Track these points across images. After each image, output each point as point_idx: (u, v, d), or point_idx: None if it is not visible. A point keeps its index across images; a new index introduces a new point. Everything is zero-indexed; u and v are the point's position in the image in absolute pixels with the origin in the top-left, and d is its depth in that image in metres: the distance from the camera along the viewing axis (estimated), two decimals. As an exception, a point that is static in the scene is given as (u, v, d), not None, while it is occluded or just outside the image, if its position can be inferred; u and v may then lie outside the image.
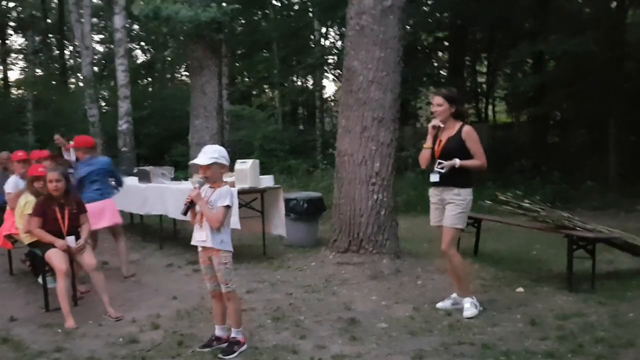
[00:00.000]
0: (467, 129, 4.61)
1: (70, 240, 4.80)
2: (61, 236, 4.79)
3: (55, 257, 4.68)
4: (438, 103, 4.64)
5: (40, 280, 5.29)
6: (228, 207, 3.72)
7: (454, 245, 4.68)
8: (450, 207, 4.57)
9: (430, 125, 4.72)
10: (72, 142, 6.27)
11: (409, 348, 3.86)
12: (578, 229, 5.50)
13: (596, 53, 11.66)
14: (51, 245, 4.75)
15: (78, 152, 6.16)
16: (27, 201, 5.23)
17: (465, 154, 4.54)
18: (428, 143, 4.70)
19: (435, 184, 4.67)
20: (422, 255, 6.75)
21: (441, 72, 19.51)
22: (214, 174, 3.74)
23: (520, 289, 5.27)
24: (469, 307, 4.55)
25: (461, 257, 4.74)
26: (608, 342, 3.85)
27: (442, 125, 4.64)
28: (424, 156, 4.73)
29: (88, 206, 5.30)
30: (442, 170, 4.52)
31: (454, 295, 4.82)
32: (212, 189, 3.78)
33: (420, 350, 3.79)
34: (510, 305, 4.78)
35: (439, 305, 4.79)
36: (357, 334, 4.18)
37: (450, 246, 4.62)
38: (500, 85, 21.77)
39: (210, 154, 3.72)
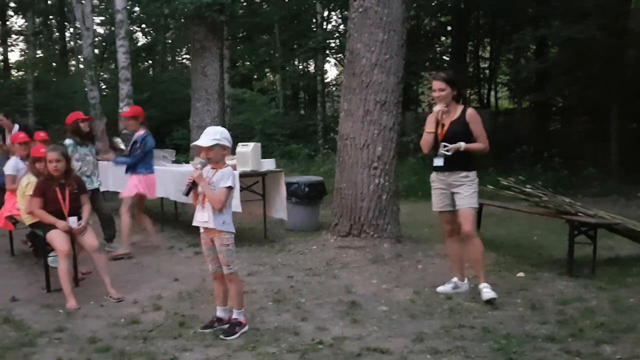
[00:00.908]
0: (470, 111, 4.57)
1: (72, 220, 4.80)
2: (62, 217, 4.79)
3: (57, 238, 4.68)
4: (440, 88, 4.56)
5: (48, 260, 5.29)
6: (230, 188, 3.72)
7: (474, 226, 4.61)
8: (463, 189, 4.51)
9: (435, 111, 4.62)
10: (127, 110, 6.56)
11: (409, 331, 3.88)
12: (580, 214, 5.51)
13: (599, 40, 11.59)
14: (53, 226, 4.75)
15: (132, 123, 6.36)
16: (29, 182, 5.23)
17: (469, 137, 4.50)
18: (430, 127, 4.62)
19: (439, 169, 4.60)
20: (423, 240, 6.77)
21: (444, 57, 19.40)
22: (215, 156, 3.73)
23: (521, 274, 5.28)
24: (489, 290, 4.46)
25: (480, 240, 4.66)
26: (608, 327, 3.87)
27: (446, 110, 4.57)
28: (427, 141, 4.65)
29: (151, 177, 6.28)
30: (448, 153, 4.45)
31: (455, 279, 4.82)
32: (214, 170, 3.77)
33: (420, 333, 3.80)
34: (510, 289, 4.80)
35: (440, 289, 4.78)
36: (357, 316, 4.19)
37: (473, 227, 4.54)
38: (502, 71, 21.66)
39: (212, 135, 3.70)
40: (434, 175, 4.71)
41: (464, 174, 4.52)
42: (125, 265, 5.90)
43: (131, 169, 6.37)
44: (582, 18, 11.86)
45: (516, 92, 21.21)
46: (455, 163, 4.51)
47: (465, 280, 4.86)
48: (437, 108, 4.61)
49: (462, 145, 4.44)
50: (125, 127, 8.18)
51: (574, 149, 14.40)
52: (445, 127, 4.56)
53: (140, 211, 6.58)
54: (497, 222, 7.91)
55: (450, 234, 4.81)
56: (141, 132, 6.39)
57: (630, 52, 13.97)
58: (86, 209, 4.99)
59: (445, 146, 4.48)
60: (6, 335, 3.89)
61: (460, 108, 4.59)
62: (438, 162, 4.58)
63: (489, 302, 4.38)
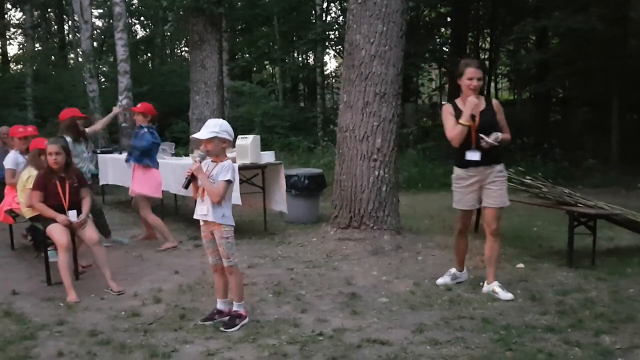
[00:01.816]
0: (495, 101, 4.44)
1: (72, 214, 4.79)
2: (62, 210, 4.79)
3: (57, 232, 4.68)
4: (479, 77, 4.30)
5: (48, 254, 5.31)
6: (229, 181, 3.71)
7: (500, 225, 4.48)
8: (497, 185, 4.33)
9: (472, 102, 4.24)
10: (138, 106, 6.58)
11: (409, 322, 3.88)
12: (579, 205, 5.51)
13: (600, 30, 11.55)
14: (53, 220, 4.75)
15: (141, 118, 6.38)
16: (30, 175, 5.22)
17: (498, 128, 4.32)
18: (465, 119, 4.25)
19: (475, 163, 4.30)
20: (423, 232, 6.77)
21: (444, 48, 19.35)
22: (214, 148, 3.71)
23: (521, 265, 5.29)
24: (503, 291, 4.37)
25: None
26: (608, 317, 3.87)
27: (477, 101, 4.29)
28: (462, 133, 4.27)
29: (156, 172, 6.31)
30: (496, 143, 4.19)
31: (453, 270, 4.79)
32: (214, 163, 3.76)
33: (420, 325, 3.81)
34: (510, 280, 4.79)
35: (439, 281, 4.73)
36: (357, 308, 4.20)
37: (499, 226, 4.42)
38: (503, 62, 21.61)
39: (212, 127, 3.69)
40: (462, 172, 4.40)
41: (499, 168, 4.35)
42: (126, 258, 5.91)
43: (144, 155, 6.32)
44: (582, 8, 11.81)
45: (516, 83, 21.21)
46: (491, 156, 4.29)
47: (464, 269, 4.86)
48: (473, 99, 4.26)
49: (499, 135, 4.23)
50: (124, 121, 8.20)
51: (575, 140, 14.39)
52: (477, 119, 4.28)
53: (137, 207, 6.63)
54: (497, 214, 7.90)
55: (466, 230, 4.65)
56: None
57: (632, 42, 13.93)
58: (86, 203, 4.98)
59: (482, 139, 4.20)
60: (7, 329, 3.90)
61: (482, 98, 4.41)
62: (473, 155, 4.28)
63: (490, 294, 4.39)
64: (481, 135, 4.23)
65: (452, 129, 4.33)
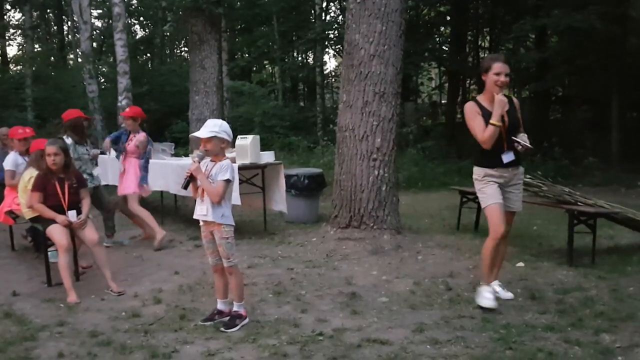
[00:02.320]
0: (515, 100, 4.22)
1: (72, 215, 4.80)
2: (62, 211, 4.79)
3: (57, 233, 4.68)
4: (507, 72, 4.03)
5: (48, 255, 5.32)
6: (228, 181, 3.71)
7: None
8: (518, 189, 4.22)
9: (502, 101, 3.97)
10: (127, 110, 6.74)
11: (409, 322, 3.89)
12: (579, 203, 5.50)
13: (599, 28, 11.55)
14: (53, 221, 4.75)
15: (131, 123, 6.52)
16: (32, 176, 5.22)
17: (520, 128, 4.18)
18: (497, 120, 3.96)
19: (510, 164, 4.10)
20: (423, 231, 6.77)
21: (443, 47, 19.34)
22: (213, 148, 3.72)
23: (521, 264, 5.29)
24: (503, 290, 4.35)
25: None
26: (608, 316, 3.87)
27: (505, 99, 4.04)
28: (495, 135, 3.98)
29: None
30: (529, 145, 3.99)
31: (492, 286, 4.23)
32: (213, 163, 3.77)
33: (420, 324, 3.81)
34: (510, 279, 4.79)
35: (486, 303, 4.04)
36: (358, 308, 4.20)
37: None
38: (502, 61, 21.56)
39: (211, 127, 3.70)
40: (490, 171, 4.12)
41: (522, 169, 4.24)
42: (126, 258, 5.91)
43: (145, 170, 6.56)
44: (582, 6, 11.81)
45: (516, 81, 21.13)
46: (518, 158, 4.13)
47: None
48: (503, 98, 4.00)
49: (525, 136, 4.10)
50: (122, 122, 8.20)
51: (575, 138, 14.39)
52: (506, 118, 4.02)
53: (126, 207, 6.67)
54: (497, 212, 7.90)
55: (501, 235, 4.11)
56: (143, 134, 6.55)
57: (631, 40, 13.92)
58: (85, 203, 4.99)
59: (517, 142, 4.02)
60: (7, 330, 3.90)
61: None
62: (509, 157, 4.07)
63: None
64: (516, 138, 4.03)
65: (484, 131, 4.01)
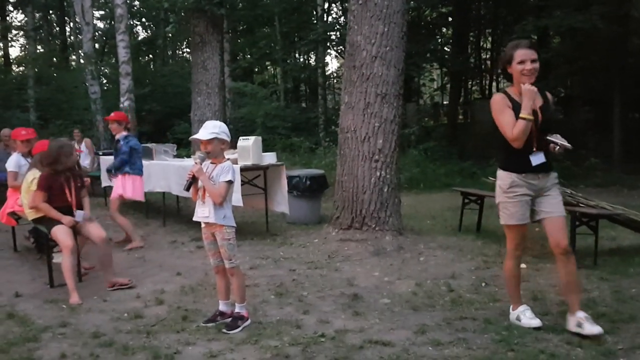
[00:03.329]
0: (548, 93, 3.67)
1: (79, 214, 4.84)
2: (70, 211, 4.81)
3: (61, 233, 4.69)
4: (533, 58, 3.49)
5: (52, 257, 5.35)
6: (230, 182, 3.72)
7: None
8: (555, 192, 3.64)
9: (530, 90, 3.48)
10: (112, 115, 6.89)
11: (411, 323, 3.88)
12: (581, 205, 5.50)
13: (601, 28, 11.54)
14: (57, 221, 4.76)
15: (115, 127, 6.63)
16: (35, 177, 5.23)
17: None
18: (527, 112, 3.46)
19: (538, 169, 3.57)
20: (425, 232, 6.77)
21: (445, 48, 19.35)
22: (214, 149, 3.73)
23: (523, 265, 5.25)
24: (589, 323, 3.48)
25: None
26: (610, 317, 3.87)
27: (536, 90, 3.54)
28: (527, 130, 3.47)
29: (138, 177, 6.53)
30: (570, 147, 3.47)
31: (580, 314, 3.56)
32: (213, 165, 3.78)
33: (422, 325, 3.81)
34: (512, 281, 4.79)
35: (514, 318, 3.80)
36: (359, 309, 4.20)
37: (567, 241, 3.59)
38: (504, 62, 21.56)
39: (211, 128, 3.71)
40: (517, 178, 3.58)
41: (555, 174, 3.67)
42: (128, 259, 5.92)
43: (118, 169, 6.58)
44: (584, 7, 11.81)
45: (518, 82, 21.11)
46: (549, 161, 3.61)
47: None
48: (531, 87, 3.49)
49: (568, 145, 3.52)
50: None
51: (577, 139, 14.34)
52: (540, 115, 3.54)
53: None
54: (499, 214, 7.90)
55: (520, 251, 3.84)
56: (123, 132, 6.63)
57: (633, 40, 13.91)
58: (86, 201, 5.08)
59: (553, 141, 3.52)
60: (10, 331, 3.91)
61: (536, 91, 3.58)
62: (538, 159, 3.53)
63: (596, 337, 3.42)
64: (552, 138, 3.51)
65: (513, 126, 3.48)
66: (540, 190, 3.60)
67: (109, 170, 6.69)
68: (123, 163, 6.54)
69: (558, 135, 3.54)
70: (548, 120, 3.54)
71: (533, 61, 3.48)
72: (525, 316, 3.75)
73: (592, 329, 3.43)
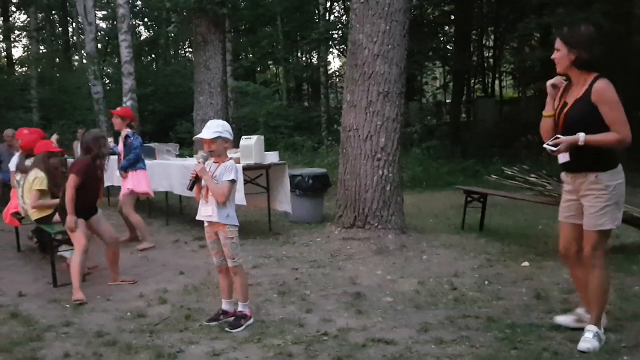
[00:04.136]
0: (599, 86, 3.22)
1: (99, 212, 4.91)
2: (93, 208, 4.84)
3: (79, 231, 4.65)
4: (557, 47, 3.35)
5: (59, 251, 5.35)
6: (234, 181, 3.73)
7: (600, 253, 3.35)
8: (589, 202, 3.30)
9: (548, 84, 3.45)
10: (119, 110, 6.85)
11: (414, 322, 3.88)
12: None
13: (604, 27, 11.50)
14: (81, 216, 4.70)
15: (119, 122, 6.57)
16: (37, 177, 5.25)
17: (596, 124, 3.21)
18: (548, 109, 3.45)
19: (564, 167, 3.42)
20: (428, 231, 6.76)
21: (448, 46, 19.33)
22: (218, 148, 3.74)
23: (526, 264, 5.27)
24: (591, 338, 3.30)
25: (606, 273, 3.41)
26: (613, 315, 3.85)
27: (562, 83, 3.42)
28: (544, 128, 3.46)
29: (143, 172, 6.54)
30: (554, 149, 3.23)
31: (580, 310, 3.64)
32: (216, 164, 3.78)
33: (425, 324, 3.81)
34: (515, 279, 4.79)
35: (559, 319, 3.68)
36: (362, 308, 4.20)
37: (595, 254, 3.33)
38: (507, 60, 21.57)
39: (215, 128, 3.71)
40: (563, 175, 3.52)
41: (592, 177, 3.28)
42: (132, 259, 5.92)
43: (133, 165, 6.54)
44: (586, 5, 11.78)
45: (521, 80, 21.11)
46: (583, 161, 3.28)
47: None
48: (549, 83, 3.44)
49: (580, 138, 3.18)
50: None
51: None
52: (566, 109, 3.35)
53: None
54: (503, 212, 7.90)
55: (566, 253, 3.56)
56: (126, 130, 6.61)
57: (636, 38, 13.88)
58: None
59: (556, 139, 3.27)
60: (14, 331, 3.92)
61: (589, 80, 3.28)
62: (563, 158, 3.34)
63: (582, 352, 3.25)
64: (557, 135, 3.29)
65: (542, 121, 3.47)
66: (577, 192, 3.39)
67: (123, 168, 6.54)
68: (138, 158, 6.54)
69: (580, 135, 3.19)
70: (572, 117, 3.30)
71: (556, 50, 3.36)
72: (567, 317, 3.67)
73: (583, 345, 3.28)
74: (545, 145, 3.33)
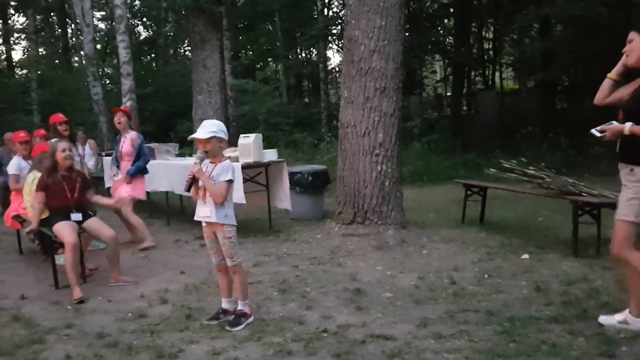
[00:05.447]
0: None
1: (75, 217, 4.85)
2: (69, 212, 4.84)
3: (64, 230, 4.70)
4: (629, 39, 3.39)
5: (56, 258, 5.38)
6: (231, 181, 3.73)
7: (629, 245, 3.35)
8: (623, 192, 3.37)
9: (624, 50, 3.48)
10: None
11: (414, 317, 3.89)
12: (583, 194, 5.48)
13: (604, 16, 11.45)
14: (60, 219, 4.77)
15: (125, 121, 6.58)
16: (35, 178, 5.26)
17: None
18: (613, 73, 3.49)
19: (616, 157, 3.44)
20: (428, 225, 6.77)
21: (447, 39, 19.28)
22: (213, 148, 3.74)
23: (526, 256, 5.27)
24: (617, 318, 3.47)
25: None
26: (613, 306, 3.86)
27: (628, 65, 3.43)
28: (602, 87, 3.50)
29: (144, 178, 6.54)
30: (597, 134, 3.31)
31: (628, 312, 3.52)
32: (213, 164, 3.78)
33: (425, 319, 3.81)
34: (515, 272, 4.79)
35: (602, 319, 3.57)
36: (362, 303, 4.21)
37: (624, 247, 3.35)
38: (507, 52, 21.49)
39: (209, 127, 3.72)
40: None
41: (628, 169, 3.31)
42: (132, 259, 5.94)
43: (142, 171, 6.59)
44: (585, -6, 11.71)
45: (521, 72, 21.04)
46: (626, 151, 3.31)
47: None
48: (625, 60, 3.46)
49: (626, 127, 3.21)
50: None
51: (581, 128, 14.26)
52: (628, 98, 3.39)
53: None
54: (503, 205, 7.89)
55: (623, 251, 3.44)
56: (134, 132, 6.62)
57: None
58: (97, 197, 5.22)
59: (610, 124, 3.32)
60: (16, 333, 3.94)
61: None
62: (595, 132, 3.41)
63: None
64: (611, 121, 3.37)
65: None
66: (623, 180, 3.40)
67: (133, 174, 6.47)
68: (146, 165, 6.58)
69: (627, 124, 3.26)
70: (629, 106, 3.35)
71: (629, 41, 3.43)
72: (611, 318, 3.58)
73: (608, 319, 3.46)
74: (592, 130, 3.36)
